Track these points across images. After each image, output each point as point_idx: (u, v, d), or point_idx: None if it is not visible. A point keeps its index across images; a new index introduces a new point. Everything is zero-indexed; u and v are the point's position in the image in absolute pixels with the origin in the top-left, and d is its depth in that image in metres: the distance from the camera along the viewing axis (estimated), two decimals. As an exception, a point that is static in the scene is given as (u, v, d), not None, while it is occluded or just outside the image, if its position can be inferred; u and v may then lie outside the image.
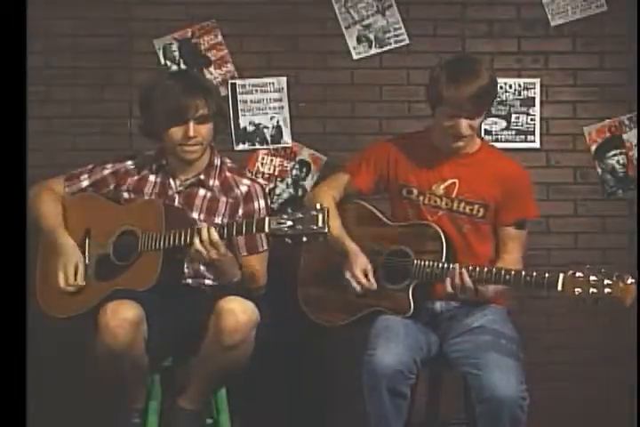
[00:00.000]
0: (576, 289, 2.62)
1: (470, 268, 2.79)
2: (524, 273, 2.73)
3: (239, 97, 3.65)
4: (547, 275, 2.69)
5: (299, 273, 3.12)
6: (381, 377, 2.69)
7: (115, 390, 2.84)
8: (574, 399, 3.64)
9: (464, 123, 2.85)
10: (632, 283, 2.56)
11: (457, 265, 2.79)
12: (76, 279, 2.90)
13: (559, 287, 2.65)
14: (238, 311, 2.67)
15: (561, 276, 2.65)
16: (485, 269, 2.79)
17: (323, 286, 3.04)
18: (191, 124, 2.87)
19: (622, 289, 2.57)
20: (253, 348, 2.74)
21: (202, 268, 2.95)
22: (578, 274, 2.62)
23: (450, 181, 2.98)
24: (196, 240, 2.73)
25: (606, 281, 2.58)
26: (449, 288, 2.79)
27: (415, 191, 3.00)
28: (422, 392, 3.01)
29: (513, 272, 2.75)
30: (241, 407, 3.05)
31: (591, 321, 3.64)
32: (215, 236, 2.72)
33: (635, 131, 3.65)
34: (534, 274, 2.71)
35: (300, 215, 2.57)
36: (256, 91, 3.65)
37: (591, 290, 2.59)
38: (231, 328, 2.65)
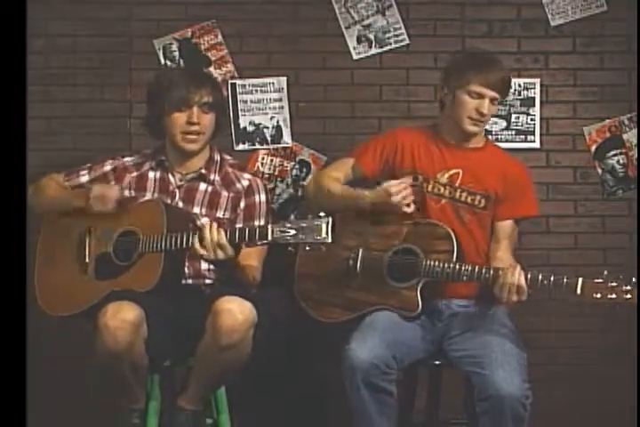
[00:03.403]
0: (595, 295, 2.63)
1: (484, 269, 2.79)
2: (541, 277, 2.73)
3: (239, 97, 3.65)
4: (565, 279, 2.69)
5: (296, 268, 3.09)
6: (357, 371, 2.69)
7: (115, 390, 2.84)
8: (574, 399, 3.64)
9: (488, 102, 2.92)
10: None
11: (510, 264, 2.78)
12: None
13: (578, 292, 2.66)
14: (236, 311, 2.66)
15: (580, 280, 2.66)
16: (500, 271, 2.78)
17: (323, 282, 3.02)
18: (195, 110, 2.90)
19: None
20: (253, 347, 2.74)
21: (203, 267, 2.95)
22: (597, 280, 2.63)
23: (454, 171, 3.01)
24: (197, 239, 2.72)
25: (625, 287, 2.60)
26: (501, 290, 2.74)
27: (421, 178, 3.01)
28: (422, 392, 3.01)
29: (530, 276, 2.74)
30: (241, 407, 3.05)
31: (591, 322, 3.64)
32: (222, 236, 2.71)
33: (635, 131, 3.65)
34: (552, 278, 2.71)
35: (304, 224, 2.57)
36: (256, 91, 3.65)
37: (609, 295, 2.61)
38: (229, 328, 2.65)
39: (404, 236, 2.96)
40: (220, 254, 2.73)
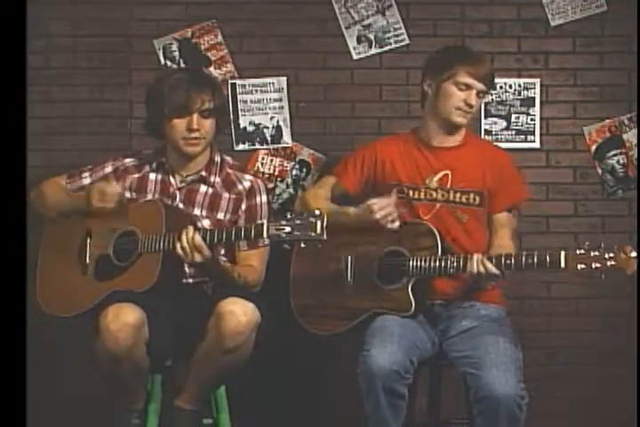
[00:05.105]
0: (579, 265, 2.64)
1: (469, 256, 2.80)
2: (525, 254, 2.74)
3: (239, 97, 3.65)
4: (548, 254, 2.70)
5: (290, 284, 3.10)
6: (377, 377, 2.69)
7: (115, 391, 2.84)
8: (574, 399, 3.64)
9: (474, 96, 2.94)
10: (634, 257, 2.59)
11: (477, 255, 2.76)
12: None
13: (562, 265, 2.66)
14: (239, 313, 2.66)
15: (563, 254, 2.66)
16: (485, 256, 2.79)
17: (318, 295, 3.03)
18: (195, 117, 2.89)
19: (625, 260, 2.60)
20: (254, 348, 2.74)
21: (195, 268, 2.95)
22: (579, 251, 2.64)
23: (442, 173, 3.01)
24: (177, 243, 2.73)
25: (607, 254, 2.61)
26: (473, 278, 2.76)
27: (406, 189, 3.01)
28: (423, 392, 3.01)
29: (513, 256, 2.76)
30: (241, 407, 3.05)
31: (591, 321, 3.64)
32: (198, 239, 2.72)
33: (635, 131, 3.65)
34: (535, 255, 2.72)
35: (298, 221, 2.58)
36: (256, 91, 3.65)
37: (594, 265, 2.62)
38: (233, 331, 2.65)
39: (389, 239, 2.95)
40: (197, 256, 2.74)
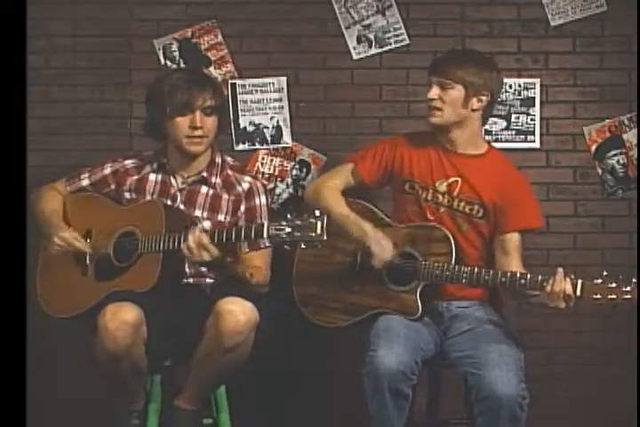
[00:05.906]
0: (594, 296, 2.63)
1: (484, 271, 2.79)
2: (540, 278, 2.71)
3: (239, 97, 3.65)
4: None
5: (294, 272, 3.10)
6: (384, 378, 2.68)
7: (114, 391, 2.84)
8: (574, 399, 3.64)
9: (434, 89, 2.91)
10: None
11: (560, 269, 2.68)
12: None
13: (578, 293, 2.65)
14: (238, 313, 2.67)
15: (580, 282, 2.65)
16: (499, 273, 2.78)
17: (322, 286, 3.03)
18: (198, 114, 2.89)
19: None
20: (253, 347, 2.74)
21: (204, 267, 2.95)
22: (597, 281, 2.63)
23: (452, 179, 2.99)
24: (184, 244, 2.73)
25: (624, 288, 2.60)
26: (550, 298, 2.68)
27: (417, 186, 3.00)
28: (422, 392, 3.01)
29: (529, 277, 2.74)
30: (241, 407, 3.05)
31: (591, 321, 3.64)
32: (205, 239, 2.72)
33: (635, 131, 3.65)
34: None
35: (299, 222, 2.57)
36: (256, 91, 3.65)
37: (610, 296, 2.61)
38: (231, 330, 2.65)
39: (402, 239, 2.95)
40: (205, 255, 2.73)
